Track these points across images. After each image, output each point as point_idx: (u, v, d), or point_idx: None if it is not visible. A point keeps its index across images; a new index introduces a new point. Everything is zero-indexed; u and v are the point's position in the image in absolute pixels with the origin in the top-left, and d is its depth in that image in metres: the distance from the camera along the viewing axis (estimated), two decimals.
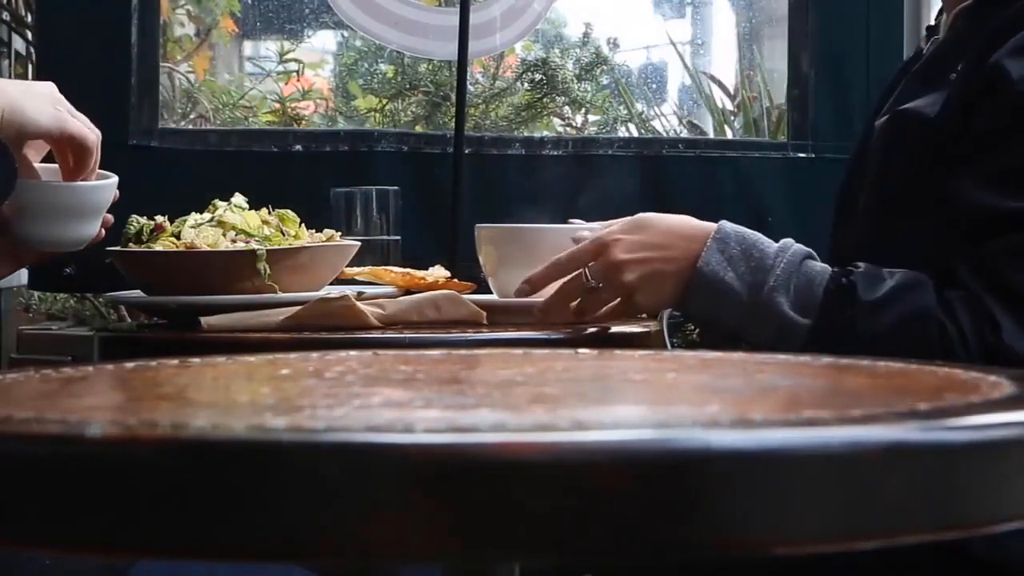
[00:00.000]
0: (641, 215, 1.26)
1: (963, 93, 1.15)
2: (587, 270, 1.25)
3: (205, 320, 1.33)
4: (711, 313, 1.19)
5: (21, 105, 1.19)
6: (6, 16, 3.24)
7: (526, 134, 2.75)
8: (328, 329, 1.31)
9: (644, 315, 1.38)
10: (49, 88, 1.25)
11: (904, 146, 1.21)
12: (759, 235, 1.21)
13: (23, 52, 3.28)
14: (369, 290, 1.47)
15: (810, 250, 1.20)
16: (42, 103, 1.21)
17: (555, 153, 2.41)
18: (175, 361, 0.79)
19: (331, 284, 1.48)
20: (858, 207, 1.28)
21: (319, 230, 1.49)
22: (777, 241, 1.20)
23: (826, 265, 1.17)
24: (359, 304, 1.33)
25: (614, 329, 1.33)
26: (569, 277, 1.28)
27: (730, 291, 1.16)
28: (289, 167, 2.37)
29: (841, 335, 1.11)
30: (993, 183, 1.11)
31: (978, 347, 1.06)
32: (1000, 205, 1.10)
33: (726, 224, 1.22)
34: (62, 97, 1.24)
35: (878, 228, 1.24)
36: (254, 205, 1.49)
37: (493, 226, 1.50)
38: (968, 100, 1.14)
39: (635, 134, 2.99)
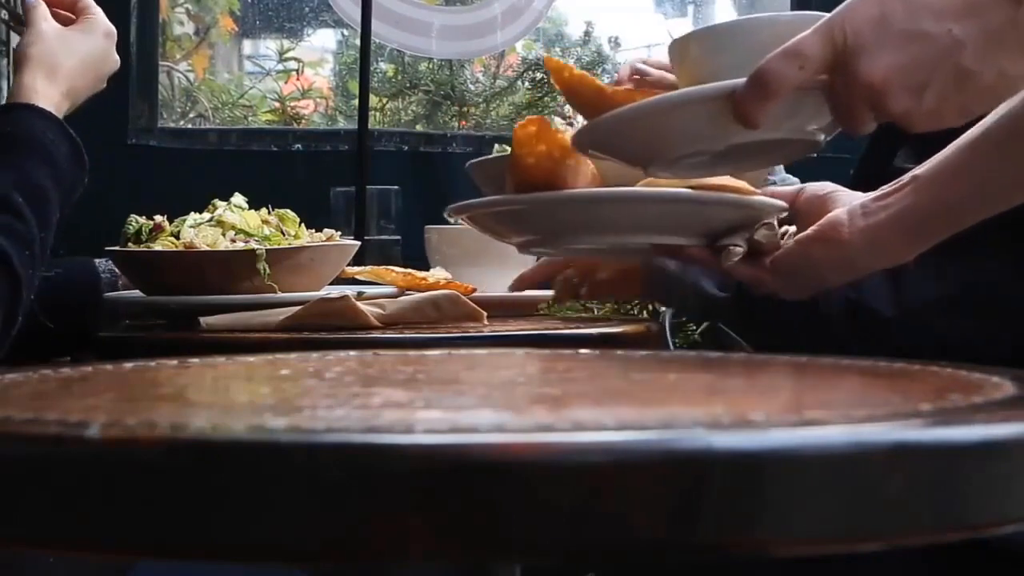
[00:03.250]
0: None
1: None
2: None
3: (204, 320, 1.33)
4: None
5: (79, 87, 1.28)
6: (5, 15, 3.24)
7: None
8: (328, 329, 1.31)
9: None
10: (101, 59, 1.31)
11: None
12: None
13: None
14: (369, 290, 1.47)
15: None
16: (94, 68, 1.29)
17: None
18: (175, 361, 0.78)
19: (332, 284, 1.48)
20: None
21: (319, 230, 1.49)
22: None
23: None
24: (359, 304, 1.33)
25: (615, 329, 1.33)
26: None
27: None
28: (289, 166, 2.37)
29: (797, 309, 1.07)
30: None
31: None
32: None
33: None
34: (111, 53, 1.31)
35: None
36: (253, 204, 1.49)
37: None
38: None
39: None
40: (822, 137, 0.89)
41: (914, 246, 0.91)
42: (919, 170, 0.91)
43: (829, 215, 0.95)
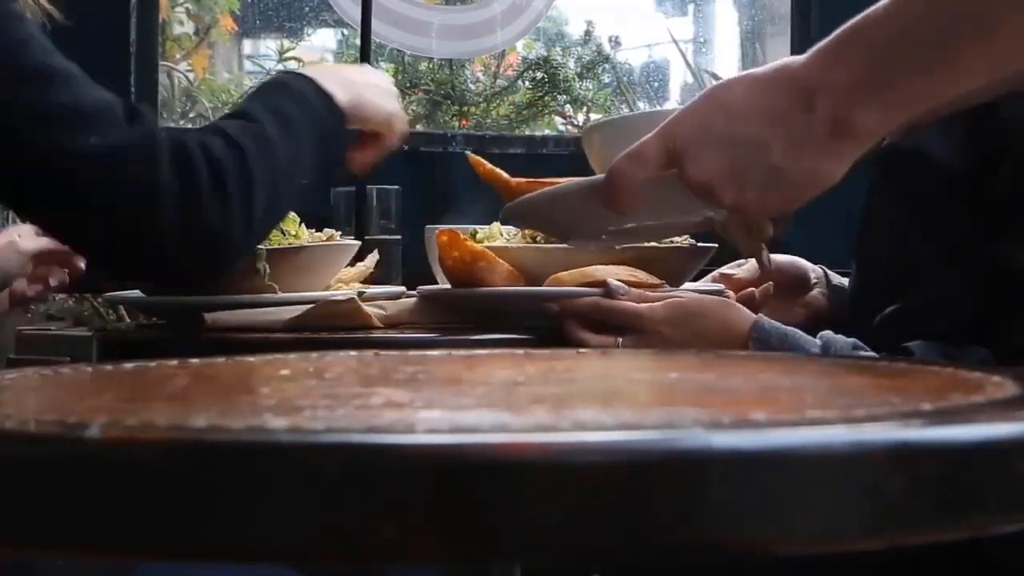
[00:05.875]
0: (683, 303, 1.24)
1: (976, 141, 1.14)
2: (619, 340, 1.25)
3: (209, 317, 1.33)
4: None
5: (368, 99, 1.30)
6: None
7: (527, 133, 2.75)
8: (328, 329, 1.31)
9: None
10: (387, 82, 1.36)
11: (918, 187, 1.20)
12: (797, 331, 1.20)
13: None
14: (370, 290, 1.47)
15: (855, 340, 1.17)
16: (383, 97, 1.33)
17: (556, 152, 2.41)
18: (175, 361, 0.78)
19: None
20: (878, 225, 1.27)
21: (319, 230, 1.49)
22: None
23: (872, 353, 1.15)
24: (364, 306, 1.33)
25: None
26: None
27: None
28: None
29: None
30: None
31: None
32: None
33: (763, 321, 1.20)
34: (395, 90, 1.36)
35: (898, 265, 1.23)
36: None
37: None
38: (984, 152, 1.13)
39: None
40: (713, 215, 0.98)
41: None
42: None
43: None
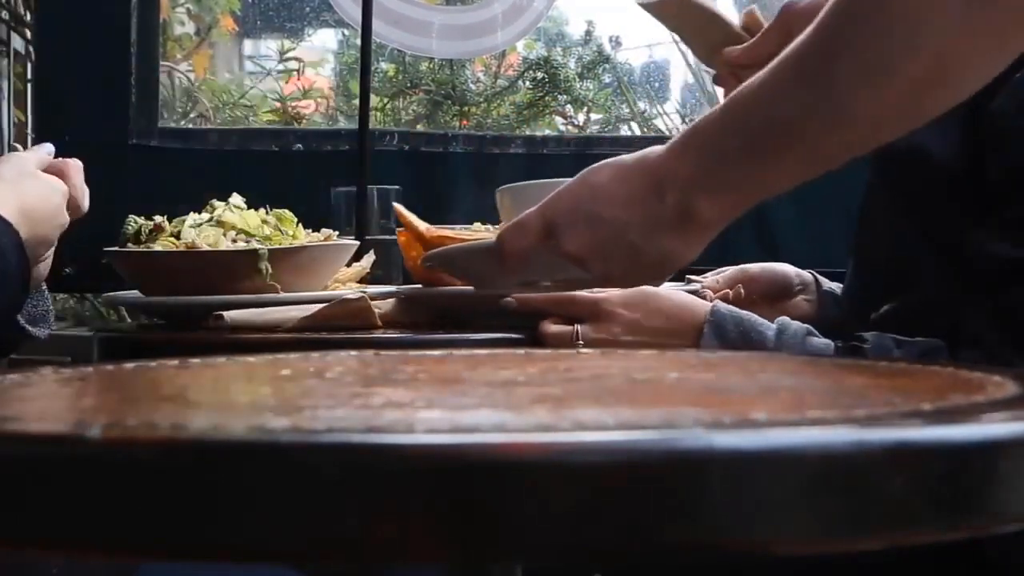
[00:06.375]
0: (640, 291, 1.27)
1: (969, 138, 1.14)
2: (577, 328, 1.27)
3: (228, 315, 1.33)
4: None
5: (41, 229, 1.16)
6: (5, 15, 3.24)
7: (528, 133, 2.75)
8: (328, 329, 1.32)
9: None
10: (54, 209, 1.19)
11: (915, 186, 1.20)
12: (753, 315, 1.22)
13: (23, 51, 3.28)
14: (370, 289, 1.48)
15: (809, 327, 1.19)
16: (47, 229, 1.18)
17: (557, 152, 2.41)
18: (175, 361, 0.78)
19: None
20: (876, 224, 1.27)
21: (316, 229, 1.49)
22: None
23: (828, 341, 1.17)
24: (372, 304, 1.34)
25: None
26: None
27: None
28: (289, 166, 2.37)
29: None
30: (1010, 235, 1.10)
31: None
32: (1019, 256, 1.09)
33: (720, 306, 1.23)
34: (61, 200, 1.19)
35: (896, 264, 1.23)
36: (253, 204, 1.49)
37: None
38: (978, 148, 1.13)
39: (638, 133, 2.99)
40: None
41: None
42: None
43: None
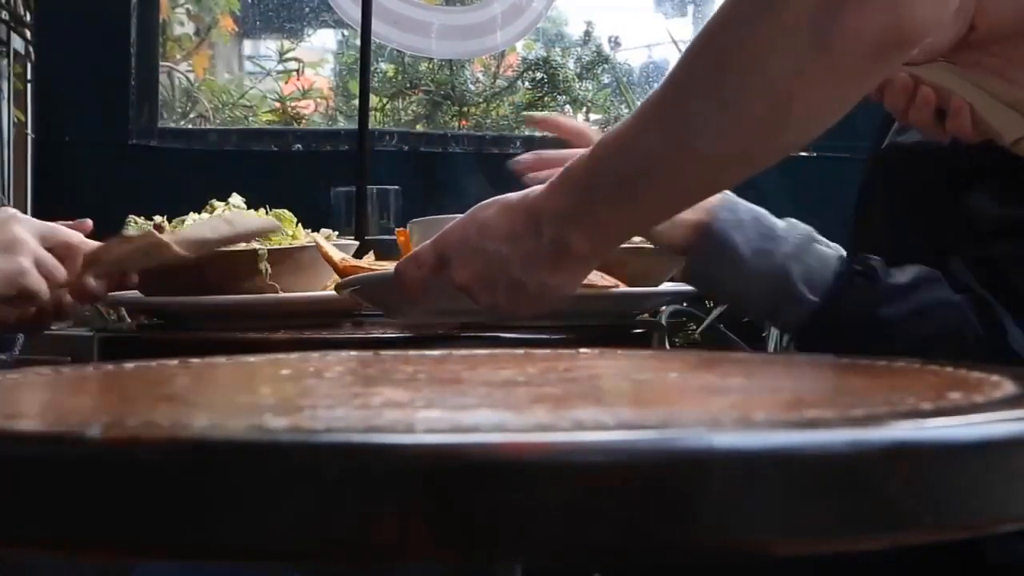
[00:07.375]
0: None
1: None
2: None
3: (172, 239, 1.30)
4: (714, 271, 1.17)
5: None
6: (5, 15, 3.24)
7: (527, 133, 2.75)
8: (316, 326, 1.31)
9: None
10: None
11: (915, 186, 1.21)
12: (764, 209, 1.21)
13: (22, 51, 3.28)
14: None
15: (812, 229, 1.19)
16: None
17: None
18: (175, 361, 0.78)
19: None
20: (874, 223, 1.27)
21: (315, 230, 1.49)
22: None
23: (837, 246, 1.17)
24: (162, 237, 1.29)
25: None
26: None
27: (735, 252, 1.14)
28: (289, 166, 2.37)
29: (858, 317, 1.10)
30: (1000, 192, 1.11)
31: (988, 347, 1.06)
32: (1008, 211, 1.09)
33: (731, 194, 1.21)
34: (20, 240, 1.22)
35: (903, 263, 1.24)
36: (253, 205, 1.49)
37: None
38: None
39: None
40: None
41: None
42: None
43: None
